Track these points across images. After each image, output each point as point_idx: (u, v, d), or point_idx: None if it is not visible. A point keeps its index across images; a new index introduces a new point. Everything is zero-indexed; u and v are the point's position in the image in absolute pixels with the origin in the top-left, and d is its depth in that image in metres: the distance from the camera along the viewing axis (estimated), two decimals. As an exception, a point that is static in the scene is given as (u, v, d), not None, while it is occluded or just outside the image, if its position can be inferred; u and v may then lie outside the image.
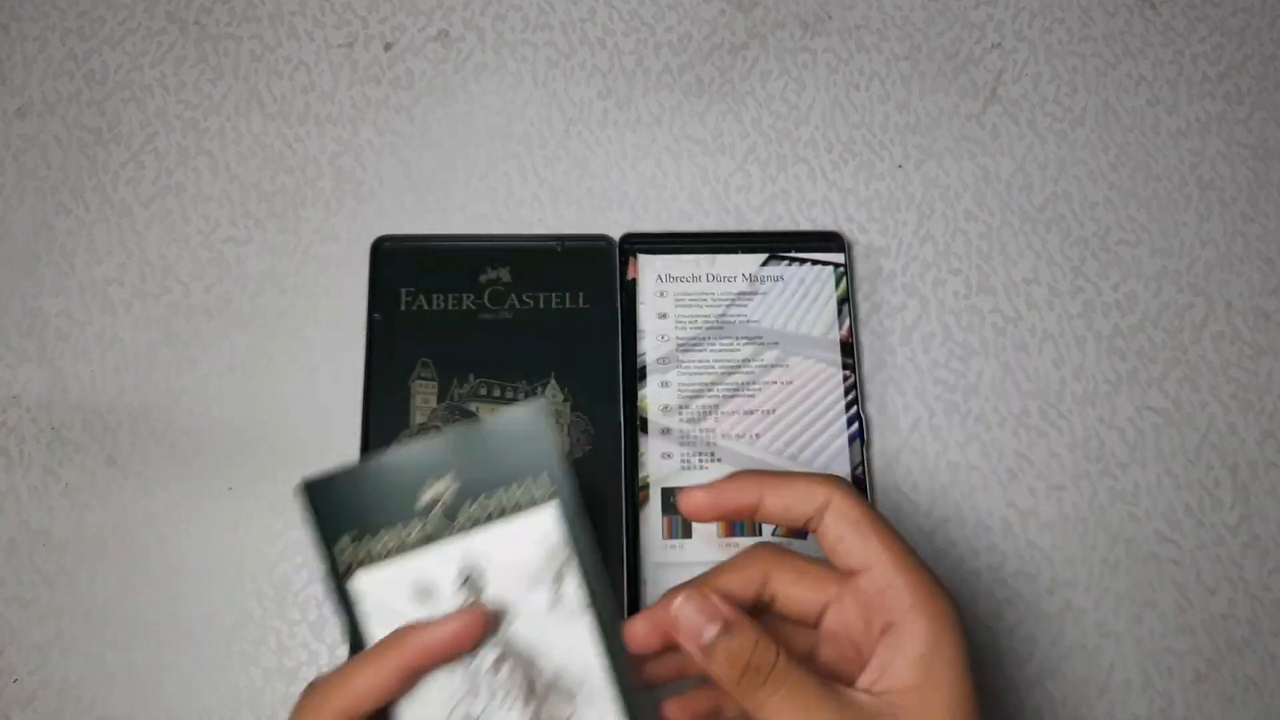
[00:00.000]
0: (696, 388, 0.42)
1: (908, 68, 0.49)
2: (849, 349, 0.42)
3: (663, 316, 0.43)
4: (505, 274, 0.43)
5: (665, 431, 0.41)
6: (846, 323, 0.43)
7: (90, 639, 0.39)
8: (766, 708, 0.28)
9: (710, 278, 0.43)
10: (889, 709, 0.28)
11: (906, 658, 0.28)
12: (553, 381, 0.42)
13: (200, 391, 0.42)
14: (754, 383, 0.42)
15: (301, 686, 0.38)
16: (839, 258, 0.44)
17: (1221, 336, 0.45)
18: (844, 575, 0.30)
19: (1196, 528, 0.42)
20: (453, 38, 0.48)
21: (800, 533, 0.39)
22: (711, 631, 0.28)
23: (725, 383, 0.42)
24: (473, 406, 0.41)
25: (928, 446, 0.43)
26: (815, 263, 0.43)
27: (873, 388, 0.43)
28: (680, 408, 0.41)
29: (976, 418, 0.43)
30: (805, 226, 0.45)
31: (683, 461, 0.41)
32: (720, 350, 0.42)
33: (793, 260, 0.43)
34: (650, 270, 0.43)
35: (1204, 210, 0.47)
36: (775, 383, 0.42)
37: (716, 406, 0.41)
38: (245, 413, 0.42)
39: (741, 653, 0.28)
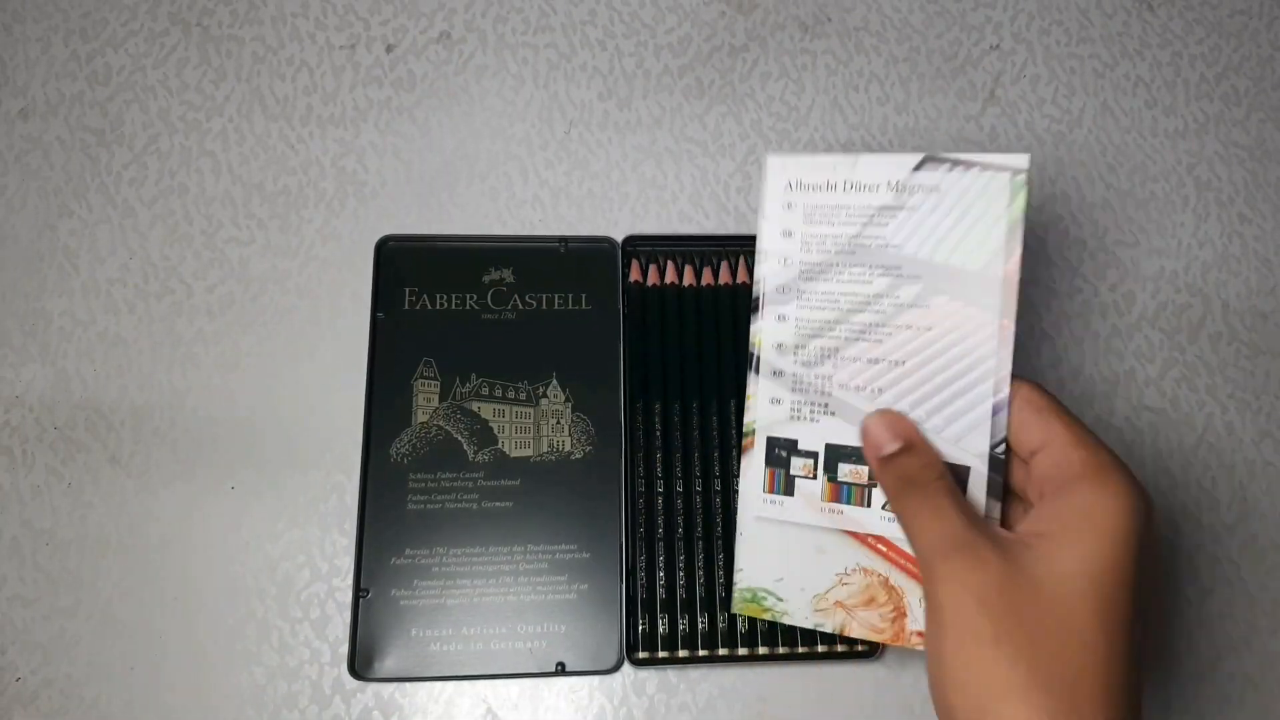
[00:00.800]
0: (817, 325, 0.35)
1: (907, 69, 0.49)
2: (1013, 290, 0.33)
3: (788, 235, 0.35)
4: (508, 274, 0.43)
5: (778, 374, 0.35)
6: (1016, 253, 0.33)
7: (93, 638, 0.39)
8: (909, 507, 0.31)
9: (848, 186, 0.35)
10: (1018, 545, 0.29)
11: (1056, 510, 0.29)
12: (554, 382, 0.42)
13: (203, 391, 0.42)
14: (884, 325, 0.34)
15: (303, 685, 0.39)
16: (1022, 160, 0.33)
17: (1219, 337, 0.45)
18: (1026, 457, 0.32)
19: (1194, 527, 0.42)
20: (454, 40, 0.48)
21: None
22: (892, 447, 0.32)
23: (850, 322, 0.35)
24: (474, 406, 0.41)
25: (927, 446, 0.43)
26: (985, 168, 0.33)
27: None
28: (796, 347, 0.35)
29: (975, 418, 0.43)
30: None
31: (792, 410, 0.35)
32: (849, 281, 0.35)
33: (955, 164, 0.34)
34: (780, 176, 0.35)
35: (1201, 211, 0.47)
36: (910, 327, 0.34)
37: (836, 350, 0.35)
38: (248, 412, 0.42)
39: (910, 469, 0.32)
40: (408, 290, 0.43)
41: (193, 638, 0.39)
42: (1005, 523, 0.32)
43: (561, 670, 0.38)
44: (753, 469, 0.35)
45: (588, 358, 0.42)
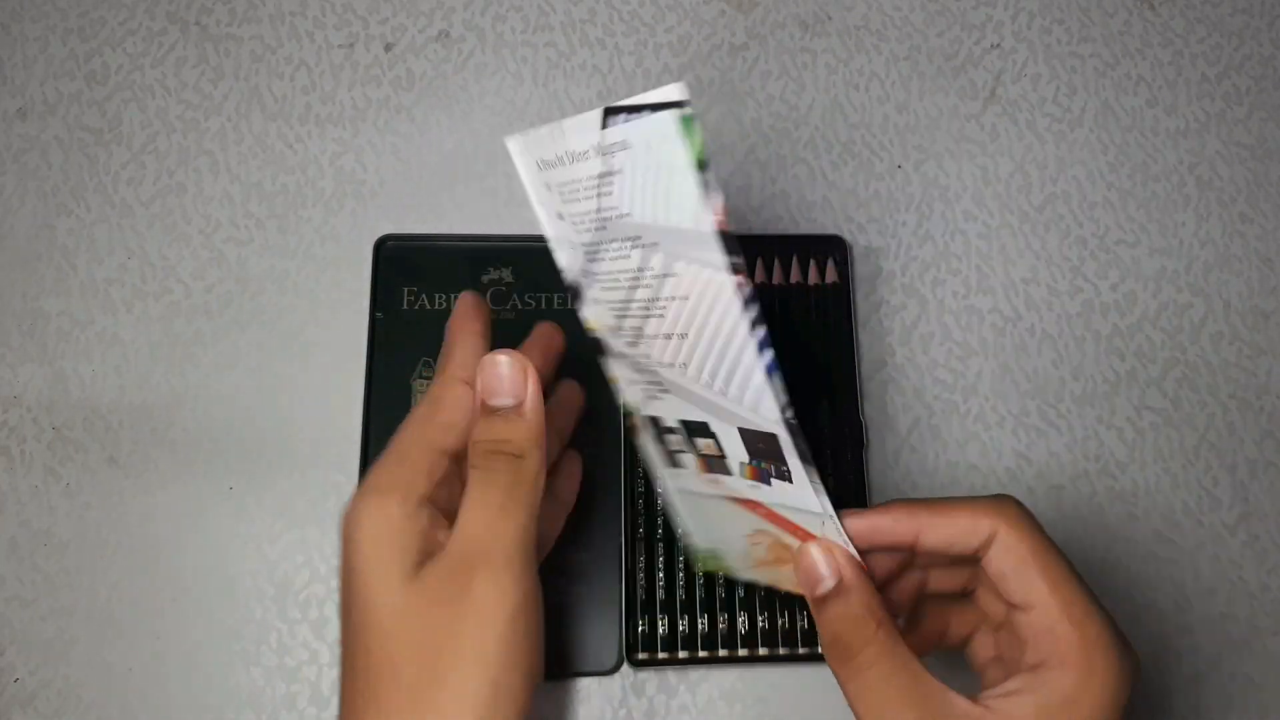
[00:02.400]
0: (616, 305, 0.31)
1: (907, 68, 0.49)
2: (731, 243, 0.28)
3: (560, 219, 0.31)
4: (507, 274, 0.43)
5: (620, 356, 0.33)
6: (717, 200, 0.28)
7: (91, 639, 0.39)
8: (850, 685, 0.27)
9: (570, 157, 0.29)
10: None
11: (1036, 697, 0.27)
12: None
13: (201, 391, 0.42)
14: (657, 299, 0.30)
15: (302, 686, 0.39)
16: (674, 91, 0.26)
17: (1220, 336, 0.45)
18: (1009, 607, 0.28)
19: (1195, 527, 0.42)
20: (453, 38, 0.48)
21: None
22: (825, 587, 0.28)
23: (636, 299, 0.31)
24: (473, 406, 0.41)
25: (927, 447, 0.43)
26: (654, 108, 0.27)
27: (872, 388, 0.43)
28: (616, 329, 0.32)
29: (975, 418, 0.43)
30: (805, 227, 0.46)
31: (645, 391, 0.33)
32: (614, 259, 0.30)
33: (631, 112, 0.28)
34: (526, 159, 0.30)
35: (1203, 210, 0.47)
36: (676, 298, 0.30)
37: (640, 329, 0.31)
38: (246, 412, 0.42)
39: (842, 622, 0.27)
40: (406, 290, 0.43)
41: (191, 639, 0.39)
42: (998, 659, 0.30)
43: (561, 671, 0.38)
44: (648, 445, 0.34)
45: (586, 357, 0.42)
